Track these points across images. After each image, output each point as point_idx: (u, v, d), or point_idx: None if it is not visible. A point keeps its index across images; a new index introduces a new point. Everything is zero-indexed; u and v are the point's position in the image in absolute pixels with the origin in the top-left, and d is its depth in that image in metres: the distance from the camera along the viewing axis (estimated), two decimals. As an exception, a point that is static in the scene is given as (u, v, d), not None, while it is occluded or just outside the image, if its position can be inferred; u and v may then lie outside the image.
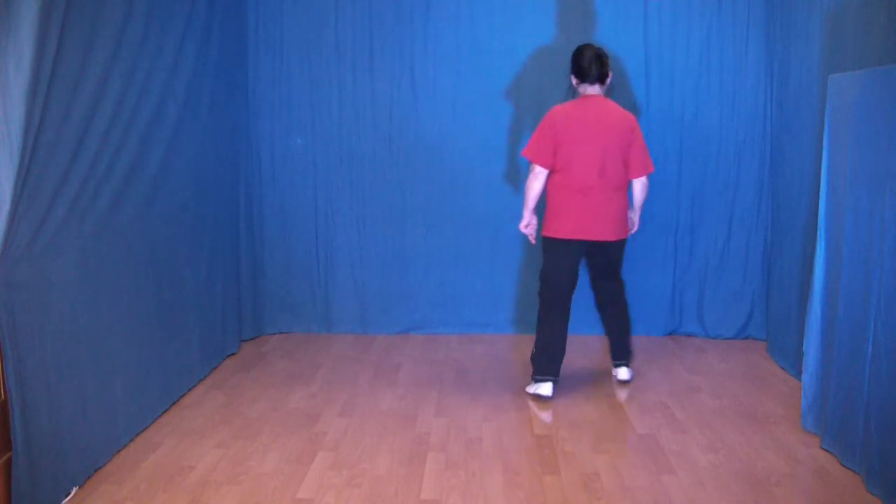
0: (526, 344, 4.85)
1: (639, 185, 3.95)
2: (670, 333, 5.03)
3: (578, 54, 3.94)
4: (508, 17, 4.85)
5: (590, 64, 3.87)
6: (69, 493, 2.89)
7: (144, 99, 3.45)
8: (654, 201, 4.89)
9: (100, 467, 3.12)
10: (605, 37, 4.80)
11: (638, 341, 4.89)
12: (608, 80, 3.95)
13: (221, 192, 4.49)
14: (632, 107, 4.84)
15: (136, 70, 3.36)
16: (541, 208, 4.00)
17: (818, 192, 3.37)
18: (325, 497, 2.92)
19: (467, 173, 4.97)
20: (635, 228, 4.12)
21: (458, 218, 5.01)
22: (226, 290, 4.52)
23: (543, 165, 3.87)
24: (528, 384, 4.04)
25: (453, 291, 5.09)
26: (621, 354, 4.22)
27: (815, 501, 2.90)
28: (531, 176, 3.90)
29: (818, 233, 3.34)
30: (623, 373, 4.19)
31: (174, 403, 3.82)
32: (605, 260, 4.04)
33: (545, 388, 3.92)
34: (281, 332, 5.14)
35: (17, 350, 2.60)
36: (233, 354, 4.64)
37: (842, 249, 3.13)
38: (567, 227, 3.86)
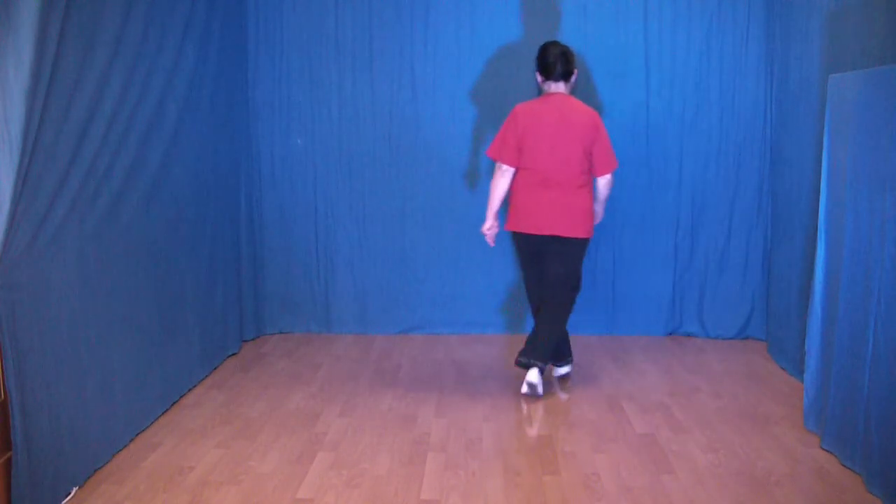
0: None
1: (603, 182, 3.95)
2: (670, 333, 5.02)
3: (543, 51, 3.92)
4: (509, 17, 4.85)
5: (555, 61, 3.86)
6: (69, 493, 2.88)
7: (144, 99, 3.45)
8: (654, 201, 4.90)
9: (100, 467, 3.12)
10: (605, 37, 4.81)
11: (638, 341, 4.90)
12: (573, 78, 3.94)
13: (221, 192, 4.49)
14: (632, 107, 4.84)
15: (136, 70, 3.36)
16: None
17: (818, 192, 3.37)
18: (325, 497, 2.92)
19: (467, 174, 4.97)
20: (599, 219, 4.11)
21: (458, 218, 5.01)
22: (226, 290, 4.52)
23: (509, 164, 3.87)
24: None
25: (453, 291, 5.09)
26: (530, 353, 3.87)
27: (815, 501, 2.90)
28: (497, 175, 3.91)
29: (818, 233, 3.34)
30: (533, 375, 3.87)
31: (174, 403, 3.82)
32: (562, 257, 3.89)
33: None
34: (281, 332, 5.13)
35: (17, 350, 2.60)
36: (233, 354, 4.64)
37: (842, 249, 3.13)
38: (528, 223, 3.87)
